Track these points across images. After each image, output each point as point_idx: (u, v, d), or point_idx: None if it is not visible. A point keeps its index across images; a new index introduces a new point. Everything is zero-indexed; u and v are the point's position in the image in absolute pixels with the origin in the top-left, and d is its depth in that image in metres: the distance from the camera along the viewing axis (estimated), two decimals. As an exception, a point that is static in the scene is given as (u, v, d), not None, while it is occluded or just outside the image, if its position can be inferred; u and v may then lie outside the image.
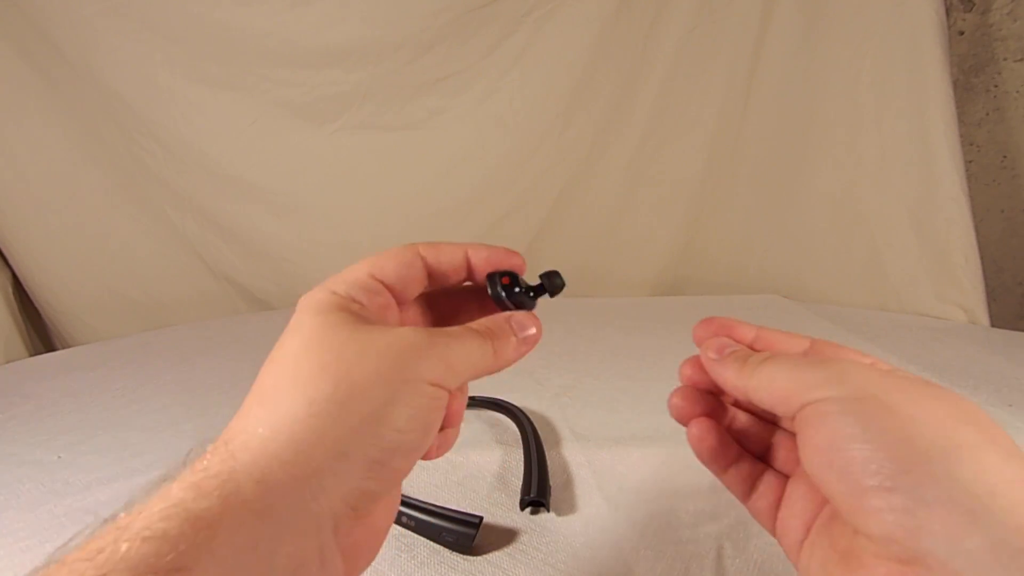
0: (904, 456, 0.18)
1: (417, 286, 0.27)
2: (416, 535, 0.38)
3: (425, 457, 0.25)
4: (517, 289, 0.27)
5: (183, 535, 0.17)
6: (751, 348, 0.27)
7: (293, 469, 0.19)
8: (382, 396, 0.21)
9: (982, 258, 0.81)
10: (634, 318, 0.86)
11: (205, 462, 0.20)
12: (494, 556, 0.39)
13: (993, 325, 0.81)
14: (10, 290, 1.02)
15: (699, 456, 0.28)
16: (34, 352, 1.03)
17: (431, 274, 0.27)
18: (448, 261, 0.27)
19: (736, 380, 0.24)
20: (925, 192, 0.81)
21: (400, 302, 0.26)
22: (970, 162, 0.89)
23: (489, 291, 0.27)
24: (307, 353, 0.22)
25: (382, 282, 0.25)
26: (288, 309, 0.24)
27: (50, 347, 1.09)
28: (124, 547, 0.17)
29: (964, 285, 0.81)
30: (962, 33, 0.88)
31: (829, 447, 0.20)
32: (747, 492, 0.27)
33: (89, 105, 0.91)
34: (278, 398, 0.21)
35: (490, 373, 0.25)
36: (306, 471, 0.19)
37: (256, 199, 0.99)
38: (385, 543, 0.40)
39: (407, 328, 0.23)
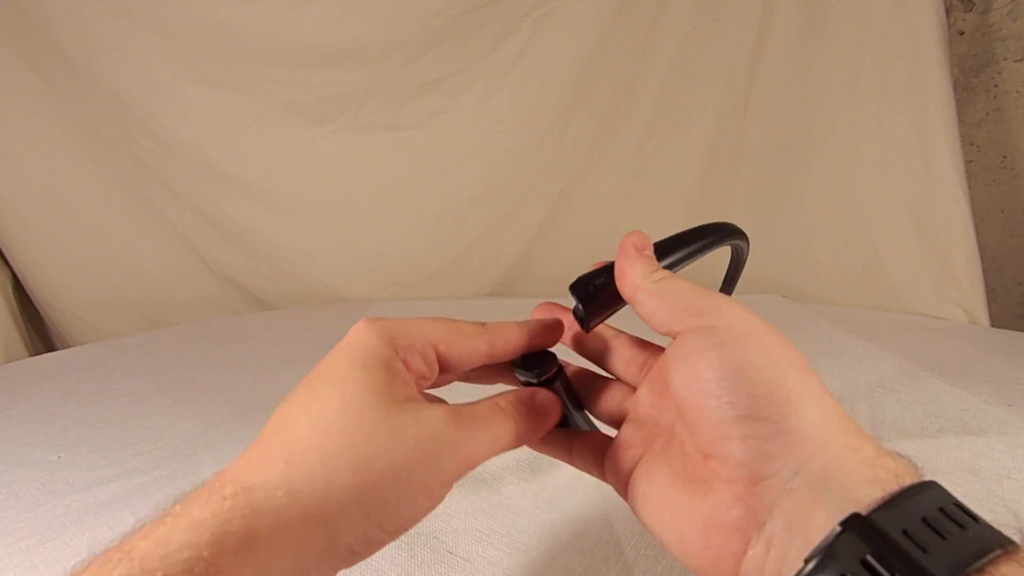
0: (767, 392, 0.21)
1: (467, 366, 0.28)
2: None
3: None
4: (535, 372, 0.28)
5: None
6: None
7: (296, 550, 0.21)
8: (390, 497, 0.22)
9: (982, 258, 0.81)
10: (634, 317, 0.85)
11: (226, 508, 0.20)
12: (494, 556, 0.39)
13: (993, 325, 0.81)
14: (10, 290, 1.02)
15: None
16: (34, 352, 1.03)
17: (488, 355, 0.28)
18: (505, 347, 0.28)
19: (639, 280, 0.25)
20: (925, 192, 0.81)
21: (443, 371, 0.27)
22: (970, 162, 0.89)
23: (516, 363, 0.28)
24: (339, 423, 0.22)
25: (440, 356, 0.26)
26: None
27: (50, 347, 1.09)
28: None
29: (964, 285, 0.81)
30: (962, 33, 0.88)
31: (706, 376, 0.22)
32: (567, 449, 0.29)
33: (89, 105, 0.91)
34: (302, 464, 0.22)
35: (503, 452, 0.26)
36: (306, 551, 0.21)
37: (256, 199, 0.99)
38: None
39: (437, 414, 0.23)
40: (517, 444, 0.26)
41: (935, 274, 0.83)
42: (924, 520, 0.18)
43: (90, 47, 0.87)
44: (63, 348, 1.04)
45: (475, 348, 0.27)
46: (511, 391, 0.27)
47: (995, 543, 0.18)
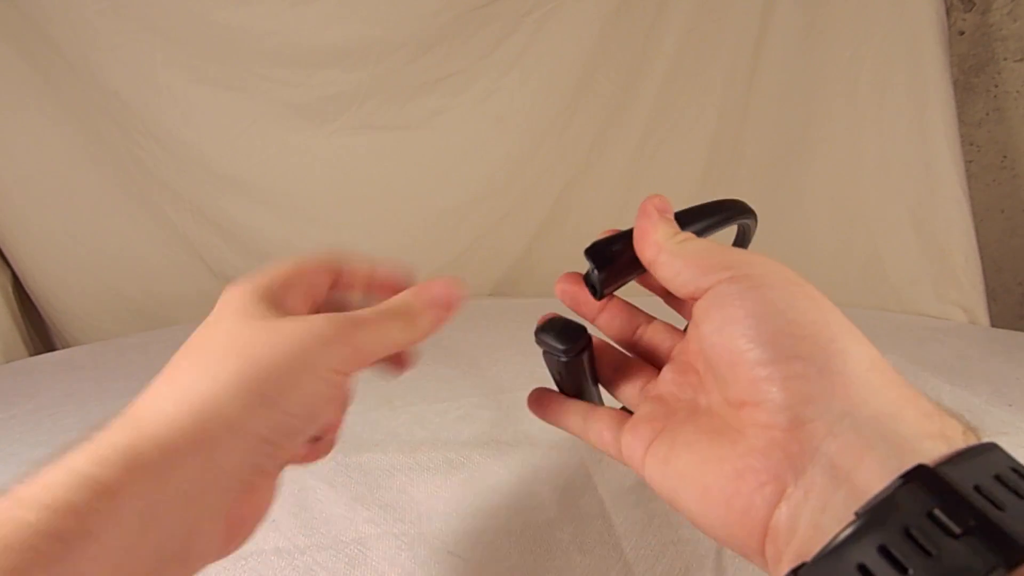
0: (810, 334, 0.20)
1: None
2: None
3: (297, 461, 0.27)
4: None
5: (88, 504, 0.18)
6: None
7: (192, 439, 0.21)
8: (281, 380, 0.22)
9: (982, 258, 0.81)
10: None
11: (109, 435, 0.21)
12: (494, 556, 0.39)
13: (993, 325, 0.81)
14: (10, 290, 1.02)
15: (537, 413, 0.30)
16: (34, 352, 1.03)
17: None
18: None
19: (662, 240, 0.24)
20: (925, 192, 0.81)
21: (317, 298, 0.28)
22: (970, 162, 0.89)
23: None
24: (219, 338, 0.24)
25: (304, 275, 0.27)
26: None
27: (50, 347, 1.09)
28: (30, 516, 0.17)
29: (964, 285, 0.81)
30: (962, 33, 0.88)
31: (745, 316, 0.20)
32: (582, 422, 0.28)
33: (89, 105, 0.91)
34: (186, 377, 0.23)
35: (410, 346, 0.26)
36: (204, 441, 0.21)
37: (256, 199, 0.99)
38: (386, 541, 0.40)
39: (320, 316, 0.24)
40: (415, 335, 0.26)
41: (935, 274, 0.83)
42: (997, 478, 0.16)
43: (90, 47, 0.87)
44: (63, 348, 1.04)
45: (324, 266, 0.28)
46: (409, 291, 0.27)
47: None
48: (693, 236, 0.24)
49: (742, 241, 0.31)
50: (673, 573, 0.37)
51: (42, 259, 0.99)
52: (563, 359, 0.27)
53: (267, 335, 0.23)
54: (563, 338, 0.27)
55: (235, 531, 0.23)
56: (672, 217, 0.26)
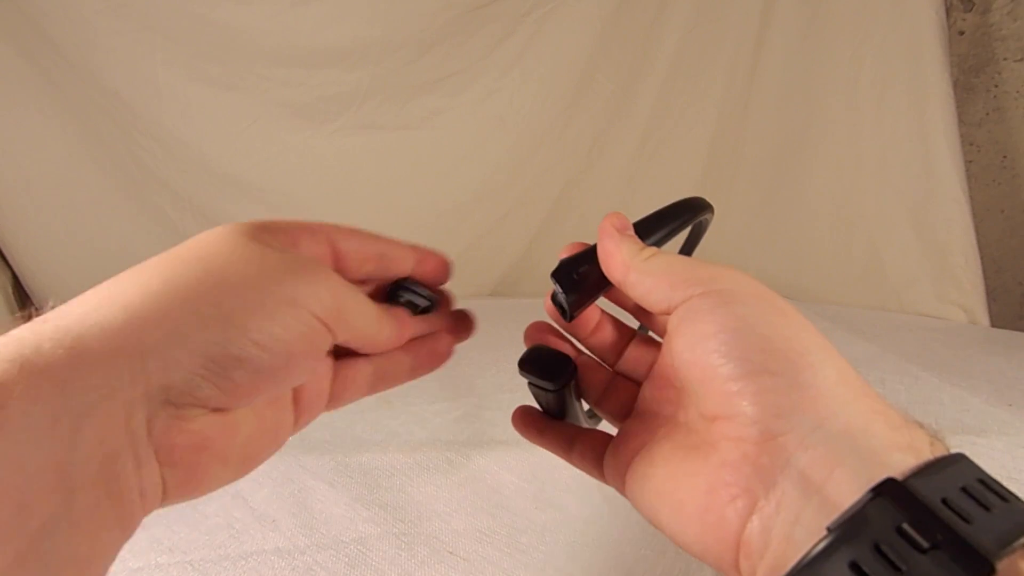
0: (780, 348, 0.20)
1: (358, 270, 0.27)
2: None
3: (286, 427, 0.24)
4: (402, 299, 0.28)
5: None
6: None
7: (116, 340, 0.18)
8: (252, 300, 0.19)
9: (982, 258, 0.81)
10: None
11: (13, 335, 0.17)
12: (494, 556, 0.39)
13: (993, 325, 0.81)
14: (10, 290, 1.02)
15: (521, 430, 0.29)
16: (34, 352, 1.03)
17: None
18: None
19: (629, 260, 0.24)
20: (925, 192, 0.81)
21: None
22: (970, 162, 0.89)
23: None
24: (186, 251, 0.20)
25: (335, 233, 0.25)
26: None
27: (50, 347, 1.09)
28: None
29: (964, 285, 0.81)
30: (962, 33, 0.88)
31: (717, 332, 0.20)
32: (568, 445, 0.28)
33: (89, 105, 0.91)
34: (130, 279, 0.19)
35: (370, 347, 0.25)
36: (132, 344, 0.18)
37: (256, 199, 0.99)
38: (386, 541, 0.40)
39: (315, 259, 0.22)
40: (379, 333, 0.25)
41: (935, 274, 0.83)
42: (964, 490, 0.17)
43: (90, 47, 0.87)
44: (63, 348, 1.04)
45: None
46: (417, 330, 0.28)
47: None
48: (658, 250, 0.25)
49: (696, 236, 0.30)
50: (673, 573, 0.37)
51: (42, 259, 0.99)
52: (550, 391, 0.27)
53: (248, 256, 0.20)
54: (549, 373, 0.26)
55: (173, 471, 0.19)
56: (632, 233, 0.26)
